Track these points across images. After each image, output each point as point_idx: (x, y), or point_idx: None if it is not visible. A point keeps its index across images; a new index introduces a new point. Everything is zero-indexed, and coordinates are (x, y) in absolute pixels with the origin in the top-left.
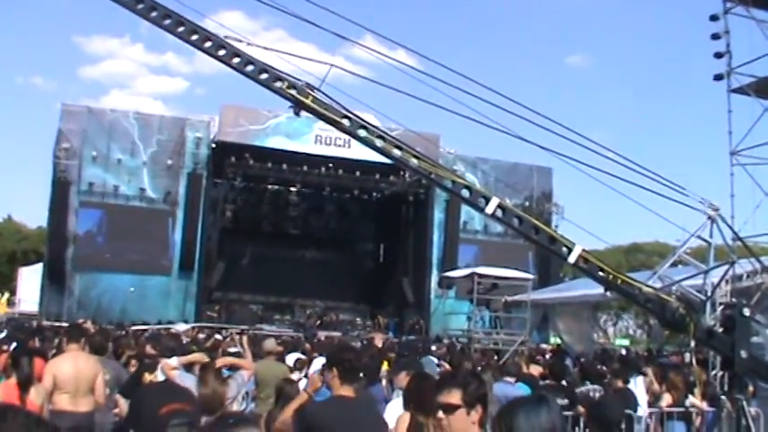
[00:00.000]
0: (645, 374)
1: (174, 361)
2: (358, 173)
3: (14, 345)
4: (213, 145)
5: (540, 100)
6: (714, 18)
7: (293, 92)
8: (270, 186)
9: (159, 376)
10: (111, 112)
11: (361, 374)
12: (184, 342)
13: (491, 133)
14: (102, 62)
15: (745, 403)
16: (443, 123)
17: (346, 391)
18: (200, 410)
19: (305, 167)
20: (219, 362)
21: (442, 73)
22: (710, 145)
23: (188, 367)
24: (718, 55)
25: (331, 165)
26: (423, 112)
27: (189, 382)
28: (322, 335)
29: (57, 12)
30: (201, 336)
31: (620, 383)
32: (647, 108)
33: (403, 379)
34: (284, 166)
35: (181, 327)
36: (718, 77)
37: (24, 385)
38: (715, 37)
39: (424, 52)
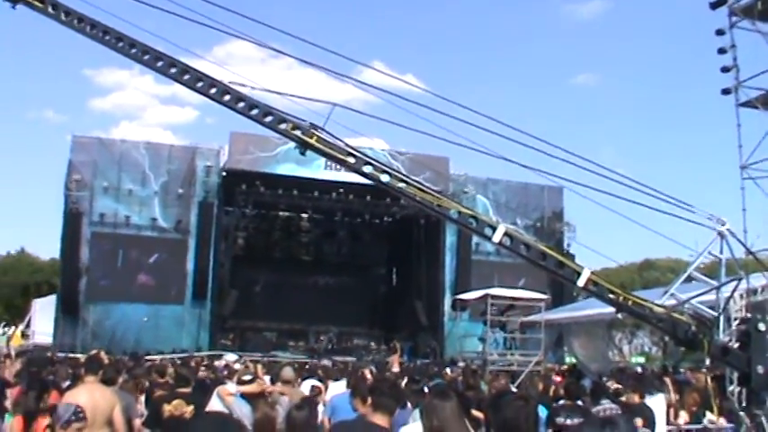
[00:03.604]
0: (663, 392)
1: (231, 387)
2: (369, 197)
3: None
4: (223, 173)
5: (549, 120)
6: (720, 32)
7: (298, 132)
8: (281, 213)
9: (215, 401)
10: (122, 143)
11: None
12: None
13: (501, 153)
14: (111, 94)
15: (763, 419)
16: (453, 144)
17: (379, 419)
18: None
19: (316, 193)
20: (269, 389)
21: (449, 102)
22: (721, 160)
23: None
24: (725, 69)
25: (342, 190)
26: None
27: (245, 408)
28: (336, 360)
29: (67, 45)
30: (217, 363)
31: (636, 399)
32: (657, 124)
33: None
34: (295, 193)
35: (230, 357)
36: (725, 92)
37: (28, 419)
38: (721, 51)
39: (431, 75)
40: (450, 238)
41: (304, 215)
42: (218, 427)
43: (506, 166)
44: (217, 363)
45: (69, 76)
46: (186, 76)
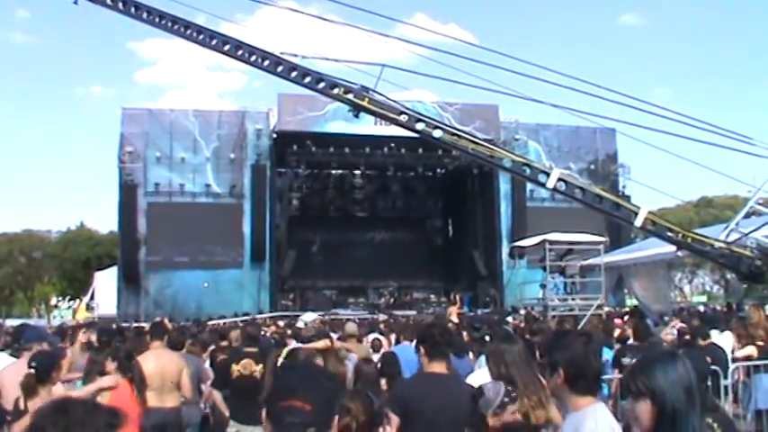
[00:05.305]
0: (729, 329)
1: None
2: (420, 150)
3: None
4: (274, 135)
5: (597, 61)
6: None
7: (350, 96)
8: (333, 171)
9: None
10: (171, 112)
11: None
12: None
13: (551, 99)
14: (157, 65)
15: None
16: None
17: (436, 367)
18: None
19: (367, 149)
20: (338, 345)
21: (495, 52)
22: None
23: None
24: None
25: (393, 144)
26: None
27: None
28: (396, 314)
29: (109, 21)
30: (281, 323)
31: (701, 342)
32: (708, 60)
33: None
34: (346, 150)
35: (308, 317)
36: None
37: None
38: None
39: (475, 22)
40: (504, 186)
41: (356, 172)
42: (307, 377)
43: (557, 111)
44: (280, 322)
45: (114, 51)
46: (240, 51)
